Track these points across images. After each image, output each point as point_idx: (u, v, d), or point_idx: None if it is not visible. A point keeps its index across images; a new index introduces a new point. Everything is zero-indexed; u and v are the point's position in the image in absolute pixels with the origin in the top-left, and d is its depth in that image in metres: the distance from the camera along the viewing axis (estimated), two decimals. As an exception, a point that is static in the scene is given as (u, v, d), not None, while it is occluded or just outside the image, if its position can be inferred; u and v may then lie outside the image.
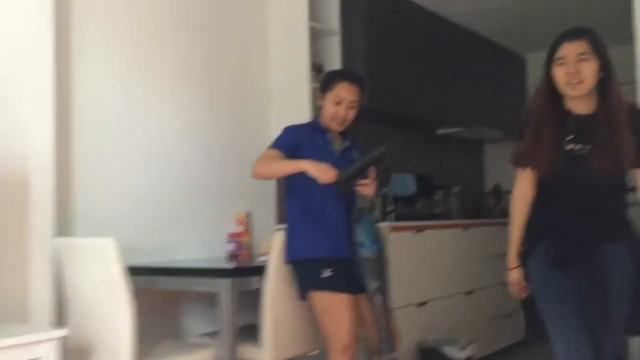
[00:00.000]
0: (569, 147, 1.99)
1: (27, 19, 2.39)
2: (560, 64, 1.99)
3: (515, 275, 2.13)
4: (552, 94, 2.03)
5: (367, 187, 2.36)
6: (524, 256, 2.08)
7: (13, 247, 2.29)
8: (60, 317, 2.39)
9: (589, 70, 1.96)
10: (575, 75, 1.96)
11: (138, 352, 2.15)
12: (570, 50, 1.98)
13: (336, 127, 2.51)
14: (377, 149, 2.34)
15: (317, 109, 2.64)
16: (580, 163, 1.97)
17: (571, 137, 1.99)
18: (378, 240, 2.33)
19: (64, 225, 2.55)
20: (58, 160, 2.49)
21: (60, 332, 1.90)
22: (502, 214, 5.13)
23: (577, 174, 1.99)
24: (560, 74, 1.99)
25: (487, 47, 5.14)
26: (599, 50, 1.98)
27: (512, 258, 2.14)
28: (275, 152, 2.43)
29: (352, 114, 2.50)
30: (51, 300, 2.38)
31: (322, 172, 2.26)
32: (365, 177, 2.35)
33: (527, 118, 2.09)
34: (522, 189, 2.11)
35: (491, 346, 4.12)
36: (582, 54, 1.96)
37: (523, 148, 2.07)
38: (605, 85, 2.00)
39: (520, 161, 2.10)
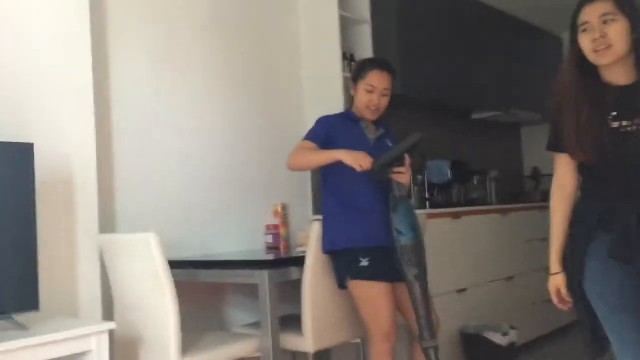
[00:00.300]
0: (615, 124, 1.71)
1: (65, 22, 2.45)
2: (585, 30, 1.74)
3: (557, 281, 1.83)
4: (584, 66, 1.77)
5: (403, 175, 2.36)
6: (577, 257, 1.77)
7: (61, 244, 2.37)
8: (107, 312, 2.47)
9: (617, 33, 1.69)
10: (601, 40, 1.70)
11: (183, 344, 2.20)
12: (592, 12, 1.73)
13: (370, 115, 2.50)
14: (412, 136, 2.33)
15: (350, 99, 2.64)
16: (629, 142, 1.70)
17: (614, 113, 1.71)
18: (415, 228, 2.32)
19: (106, 222, 2.62)
20: (99, 159, 2.56)
21: (110, 325, 1.96)
22: (542, 197, 5.05)
23: (626, 155, 1.71)
24: (585, 42, 1.74)
25: (521, 27, 5.04)
26: (627, 7, 1.72)
27: (554, 261, 1.85)
28: (310, 144, 2.45)
29: (385, 101, 2.50)
30: (100, 295, 2.45)
31: (357, 161, 2.26)
32: (401, 164, 2.34)
33: (556, 98, 1.84)
34: (561, 179, 1.86)
35: (533, 332, 4.07)
36: (607, 14, 1.71)
37: (559, 131, 1.81)
38: None
39: (558, 146, 1.83)
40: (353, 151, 2.30)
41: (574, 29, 1.79)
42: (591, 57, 1.75)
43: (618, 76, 1.76)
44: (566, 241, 1.84)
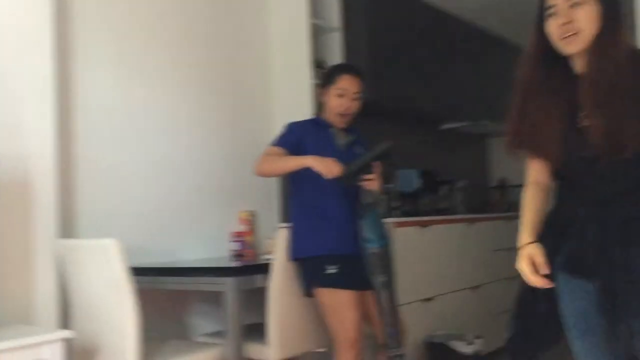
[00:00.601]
0: (586, 122, 1.52)
1: (25, 22, 2.39)
2: (551, 15, 1.56)
3: (530, 250, 1.59)
4: (551, 56, 1.59)
5: (372, 182, 2.35)
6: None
7: (17, 249, 2.29)
8: (65, 319, 2.39)
9: (586, 17, 1.52)
10: (568, 26, 1.53)
11: (143, 353, 2.14)
12: None
13: (340, 121, 2.49)
14: (382, 144, 2.33)
15: (319, 106, 2.62)
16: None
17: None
18: (384, 236, 2.31)
19: (66, 227, 2.55)
20: (59, 161, 2.48)
21: (65, 333, 1.90)
22: (509, 208, 5.11)
23: (592, 156, 1.52)
24: (552, 27, 1.56)
25: (489, 40, 5.11)
26: None
27: (526, 232, 1.64)
28: (278, 149, 2.42)
29: (355, 105, 2.50)
30: (56, 302, 2.38)
31: (327, 167, 2.24)
32: (370, 172, 2.33)
33: (518, 91, 1.65)
34: (534, 178, 1.70)
35: (498, 341, 4.08)
36: None
37: (523, 127, 1.63)
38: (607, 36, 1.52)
39: (519, 145, 1.65)
40: (322, 158, 2.29)
41: (541, 14, 1.62)
42: (558, 44, 1.57)
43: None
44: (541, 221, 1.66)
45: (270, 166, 2.43)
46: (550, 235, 1.63)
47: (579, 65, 1.59)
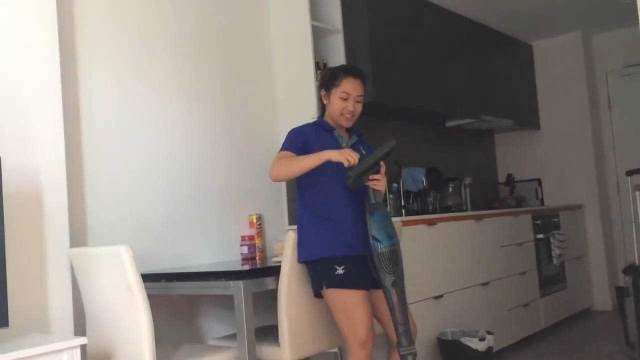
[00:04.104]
0: None
1: (32, 34, 2.42)
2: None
3: None
4: None
5: (379, 182, 2.36)
6: None
7: (31, 259, 2.32)
8: (79, 327, 2.42)
9: None
10: None
11: (158, 357, 2.16)
12: None
13: (345, 122, 2.51)
14: (387, 143, 2.34)
15: (322, 108, 2.63)
16: None
17: None
18: (392, 235, 2.32)
19: (77, 236, 2.57)
20: (69, 171, 2.51)
21: (81, 341, 1.92)
22: (517, 203, 5.11)
23: None
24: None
25: (493, 36, 5.12)
26: None
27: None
28: (289, 153, 2.43)
29: (359, 107, 2.51)
30: (71, 310, 2.40)
31: (346, 156, 2.26)
32: (377, 171, 2.35)
33: None
34: None
35: (510, 337, 4.09)
36: None
37: None
38: None
39: None
40: (338, 150, 2.32)
41: None
42: None
43: None
44: None
45: (288, 167, 2.41)
46: None
47: None
